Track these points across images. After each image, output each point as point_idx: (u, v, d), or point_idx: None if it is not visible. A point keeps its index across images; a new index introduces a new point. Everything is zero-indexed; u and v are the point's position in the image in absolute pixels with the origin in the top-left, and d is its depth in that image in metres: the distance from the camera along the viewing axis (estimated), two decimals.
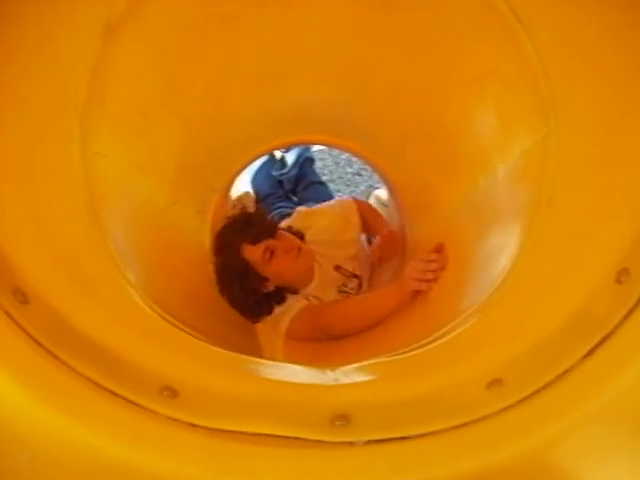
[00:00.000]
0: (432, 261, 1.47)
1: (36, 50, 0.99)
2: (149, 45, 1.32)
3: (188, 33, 1.40)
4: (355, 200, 2.15)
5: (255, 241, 1.67)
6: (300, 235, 1.84)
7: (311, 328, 1.63)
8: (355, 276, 1.92)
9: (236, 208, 2.11)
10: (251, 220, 1.74)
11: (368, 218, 2.13)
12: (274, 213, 2.33)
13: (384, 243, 1.97)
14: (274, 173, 2.61)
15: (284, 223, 2.01)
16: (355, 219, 2.06)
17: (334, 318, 1.63)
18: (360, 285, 1.96)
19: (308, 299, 1.75)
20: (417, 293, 1.49)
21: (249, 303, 1.69)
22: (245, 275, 1.65)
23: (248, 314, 1.71)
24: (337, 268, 1.89)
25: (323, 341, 1.59)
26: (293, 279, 1.77)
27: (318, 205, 2.20)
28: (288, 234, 1.78)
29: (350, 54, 1.57)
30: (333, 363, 0.94)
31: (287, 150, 2.62)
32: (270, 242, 1.68)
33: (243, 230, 1.69)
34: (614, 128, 0.95)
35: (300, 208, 2.19)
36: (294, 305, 1.69)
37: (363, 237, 2.24)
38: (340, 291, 1.87)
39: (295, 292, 1.76)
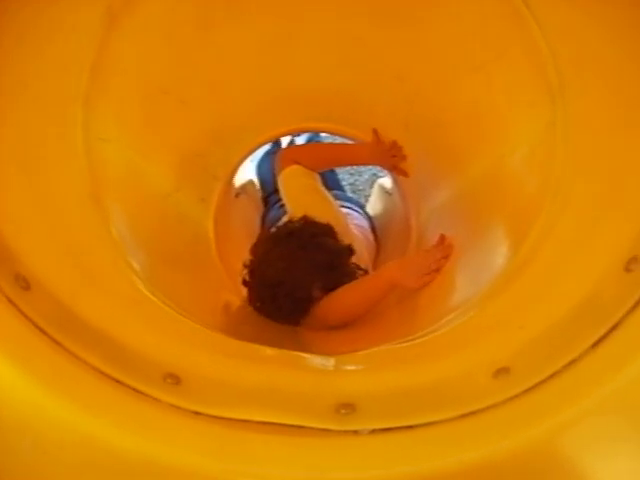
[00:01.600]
0: (434, 254, 1.46)
1: (38, 36, 0.99)
2: (152, 30, 1.31)
3: (191, 18, 1.39)
4: (291, 159, 1.89)
5: (328, 290, 1.56)
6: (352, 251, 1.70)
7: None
8: (358, 267, 1.87)
9: (240, 197, 2.08)
10: (339, 265, 1.60)
11: (321, 157, 1.96)
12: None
13: (372, 149, 1.85)
14: None
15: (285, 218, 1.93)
16: (310, 180, 1.86)
17: (329, 307, 1.56)
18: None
19: None
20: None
21: (289, 311, 1.55)
22: (299, 301, 1.54)
23: (288, 320, 1.59)
24: None
25: (321, 330, 1.57)
26: None
27: None
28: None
29: (354, 40, 1.56)
30: (333, 351, 0.94)
31: (297, 135, 2.60)
32: None
33: (327, 273, 1.56)
34: (624, 114, 0.94)
35: None
36: None
37: (366, 225, 2.22)
38: None
39: None
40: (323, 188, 1.92)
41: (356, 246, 1.78)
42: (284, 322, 1.56)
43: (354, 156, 2.00)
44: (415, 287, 1.47)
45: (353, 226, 2.03)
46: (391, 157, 1.84)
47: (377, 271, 1.74)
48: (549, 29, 1.06)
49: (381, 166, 1.97)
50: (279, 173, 1.87)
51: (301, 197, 1.85)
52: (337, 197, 2.22)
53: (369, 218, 2.30)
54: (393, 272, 1.53)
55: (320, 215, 1.68)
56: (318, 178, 1.91)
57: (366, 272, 1.82)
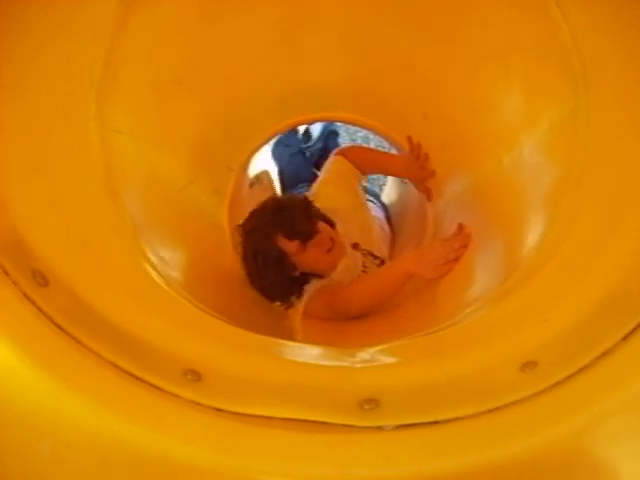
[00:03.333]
0: (452, 244, 1.46)
1: (50, 28, 0.98)
2: (164, 22, 1.30)
3: (204, 9, 1.38)
4: (341, 152, 2.06)
5: (291, 237, 1.63)
6: (332, 223, 1.78)
7: (327, 308, 1.63)
8: (374, 256, 1.89)
9: (254, 187, 2.09)
10: (292, 212, 1.67)
11: (366, 158, 2.05)
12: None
13: (407, 163, 1.88)
14: (302, 145, 2.58)
15: None
16: (351, 174, 1.99)
17: (348, 298, 1.61)
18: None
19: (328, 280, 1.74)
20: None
21: (280, 288, 1.67)
22: (278, 262, 1.63)
23: (280, 299, 1.69)
24: (355, 246, 1.85)
25: (341, 321, 1.58)
26: (322, 271, 1.74)
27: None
28: (324, 225, 1.72)
29: (369, 29, 1.55)
30: (352, 343, 0.93)
31: (311, 124, 2.59)
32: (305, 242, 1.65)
33: (282, 220, 1.64)
34: None
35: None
36: (312, 285, 1.68)
37: (381, 215, 2.21)
38: (363, 273, 1.82)
39: (320, 277, 1.74)
40: (362, 196, 2.05)
41: (374, 237, 1.88)
42: (280, 297, 1.68)
43: (390, 167, 2.05)
44: (433, 277, 1.47)
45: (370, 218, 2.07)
46: (422, 171, 1.84)
47: (394, 261, 1.77)
48: (573, 16, 1.04)
49: (410, 180, 1.97)
50: (334, 155, 2.03)
51: (335, 185, 1.95)
52: None
53: (384, 208, 2.30)
54: (410, 262, 1.56)
55: (341, 208, 1.81)
56: (361, 182, 2.05)
57: (382, 262, 1.83)
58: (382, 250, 1.95)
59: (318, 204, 1.78)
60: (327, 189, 1.95)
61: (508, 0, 1.20)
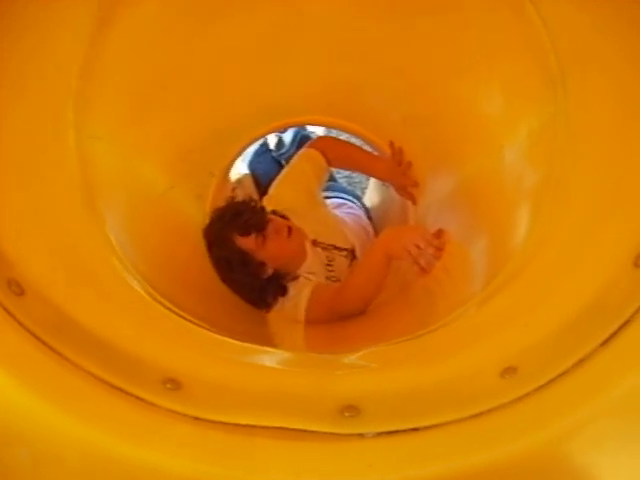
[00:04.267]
0: (427, 232, 1.48)
1: (27, 32, 0.97)
2: (145, 26, 1.29)
3: (187, 13, 1.37)
4: (312, 144, 2.03)
5: (246, 233, 1.65)
6: (284, 217, 1.79)
7: (327, 310, 1.61)
8: (338, 248, 1.89)
9: (239, 193, 2.08)
10: (239, 211, 1.70)
11: (341, 152, 2.02)
12: None
13: (390, 167, 1.88)
14: (273, 154, 2.57)
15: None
16: (311, 172, 1.96)
17: (346, 295, 1.59)
18: (354, 257, 1.91)
19: (308, 279, 1.73)
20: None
21: (255, 290, 1.67)
22: (243, 262, 1.64)
23: (257, 303, 1.70)
24: (314, 242, 1.84)
25: (341, 325, 1.58)
26: (289, 258, 1.74)
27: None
28: (275, 217, 1.74)
29: (352, 34, 1.55)
30: (352, 347, 0.92)
31: (283, 131, 2.59)
32: (260, 232, 1.67)
33: (232, 222, 1.66)
34: (627, 107, 0.93)
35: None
36: (303, 290, 1.66)
37: (361, 213, 2.21)
38: (328, 267, 1.83)
39: (294, 278, 1.73)
40: (319, 193, 2.04)
41: (334, 230, 1.91)
42: (258, 300, 1.69)
43: (371, 167, 2.03)
44: (400, 258, 1.48)
45: (345, 214, 2.10)
46: (405, 178, 1.85)
47: (372, 244, 1.76)
48: (550, 18, 1.05)
49: (392, 184, 1.97)
50: (304, 148, 2.03)
51: (294, 184, 1.94)
52: (331, 188, 2.29)
53: (366, 210, 2.31)
54: (383, 242, 1.55)
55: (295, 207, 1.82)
56: (323, 178, 2.03)
57: (351, 251, 1.89)
58: (349, 241, 1.94)
59: (271, 205, 1.82)
60: (281, 189, 1.95)
61: (490, 4, 1.20)
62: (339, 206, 2.22)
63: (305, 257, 1.78)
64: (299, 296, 1.65)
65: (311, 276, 1.74)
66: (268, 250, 1.66)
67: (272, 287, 1.69)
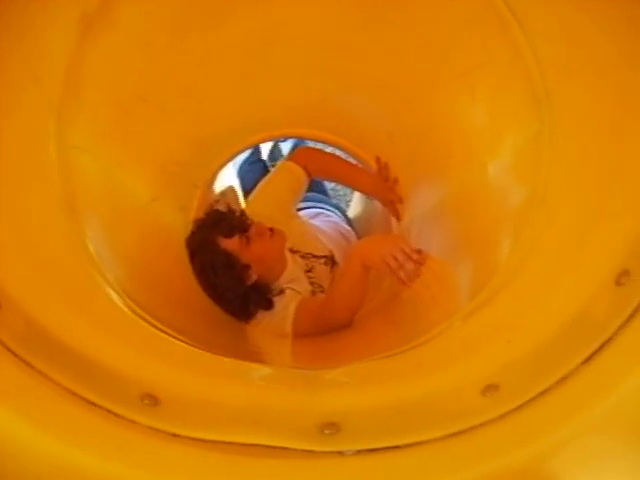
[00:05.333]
0: (405, 241, 1.51)
1: (9, 43, 0.96)
2: (128, 38, 1.28)
3: (169, 25, 1.37)
4: (292, 157, 2.03)
5: (229, 234, 1.66)
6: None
7: (313, 322, 1.61)
8: (315, 256, 1.89)
9: (220, 202, 2.08)
10: (221, 216, 1.72)
11: (324, 164, 2.02)
12: None
13: (375, 182, 1.88)
14: (268, 163, 2.58)
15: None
16: (287, 187, 1.97)
17: (331, 306, 1.59)
18: (334, 263, 1.92)
19: (295, 291, 1.73)
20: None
21: (238, 297, 1.66)
22: (228, 265, 1.64)
23: (238, 312, 1.69)
24: (291, 251, 1.85)
25: (327, 338, 1.57)
26: (272, 262, 1.75)
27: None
28: (256, 221, 1.75)
29: (337, 47, 1.55)
30: (336, 362, 0.91)
31: (283, 141, 2.60)
32: (244, 233, 1.68)
33: (216, 225, 1.67)
34: (611, 124, 0.93)
35: None
36: (289, 304, 1.67)
37: (343, 223, 2.21)
38: (309, 274, 1.84)
39: (280, 292, 1.73)
40: (293, 207, 2.04)
41: (323, 239, 1.94)
42: (240, 307, 1.68)
43: (356, 180, 2.03)
44: (380, 268, 1.49)
45: (322, 222, 2.13)
46: (391, 194, 1.85)
47: (348, 255, 1.75)
48: (533, 34, 1.05)
49: (378, 199, 1.97)
50: (284, 160, 2.05)
51: (268, 199, 1.95)
52: (308, 198, 2.30)
53: (347, 218, 2.31)
54: (360, 250, 1.58)
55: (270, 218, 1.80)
56: (300, 192, 2.02)
57: (330, 258, 1.91)
58: (326, 247, 1.95)
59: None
60: (255, 204, 1.96)
61: (473, 19, 1.21)
62: (316, 215, 2.24)
63: (285, 265, 1.78)
64: (286, 310, 1.65)
65: (295, 286, 1.74)
66: (252, 251, 1.66)
67: (255, 295, 1.68)
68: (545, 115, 1.04)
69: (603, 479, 0.71)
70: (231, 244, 1.65)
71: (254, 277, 1.68)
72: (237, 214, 1.73)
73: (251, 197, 2.02)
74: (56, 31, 1.06)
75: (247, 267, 1.66)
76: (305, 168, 1.95)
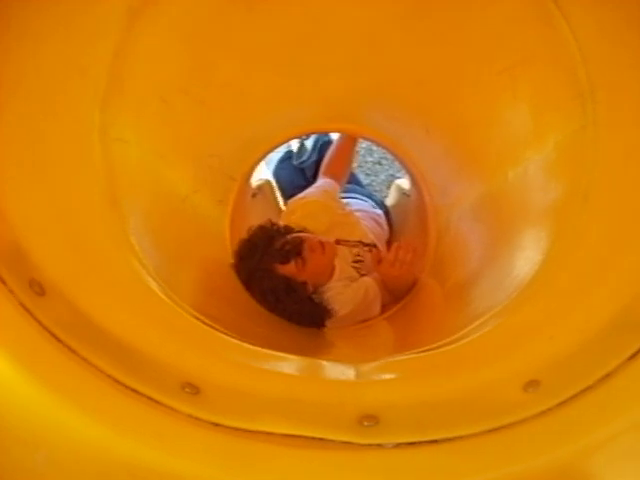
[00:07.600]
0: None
1: (56, 35, 0.97)
2: (172, 31, 1.29)
3: (212, 19, 1.38)
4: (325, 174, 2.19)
5: (286, 260, 1.65)
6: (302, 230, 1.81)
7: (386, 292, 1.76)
8: (363, 244, 1.92)
9: (257, 197, 2.09)
10: (270, 239, 1.70)
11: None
12: None
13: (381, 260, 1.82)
14: (294, 162, 2.58)
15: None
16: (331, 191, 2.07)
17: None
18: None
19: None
20: None
21: (305, 314, 1.66)
22: (289, 288, 1.63)
23: (312, 324, 1.68)
24: (338, 242, 1.86)
25: (364, 331, 1.64)
26: (326, 272, 1.77)
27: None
28: (304, 235, 1.74)
29: (377, 42, 1.54)
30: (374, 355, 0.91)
31: (306, 138, 2.59)
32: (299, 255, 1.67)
33: (268, 252, 1.66)
34: None
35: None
36: (364, 291, 1.76)
37: (380, 212, 2.21)
38: (355, 265, 1.86)
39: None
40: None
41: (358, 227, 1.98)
42: (306, 323, 1.65)
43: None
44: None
45: (357, 211, 2.12)
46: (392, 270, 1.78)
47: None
48: (580, 30, 1.04)
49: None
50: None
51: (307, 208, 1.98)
52: (348, 190, 2.35)
53: (386, 212, 2.31)
54: None
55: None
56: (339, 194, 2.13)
57: (374, 246, 1.93)
58: (370, 236, 1.98)
59: (289, 218, 1.90)
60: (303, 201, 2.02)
61: (516, 13, 1.20)
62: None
63: (333, 270, 1.79)
64: (367, 295, 1.75)
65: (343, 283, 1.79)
66: (309, 271, 1.67)
67: (319, 308, 1.68)
68: (589, 111, 1.03)
69: None
70: (289, 269, 1.65)
71: (311, 289, 1.69)
72: (284, 233, 1.73)
73: (294, 207, 2.04)
74: (102, 24, 1.07)
75: (304, 284, 1.67)
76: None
